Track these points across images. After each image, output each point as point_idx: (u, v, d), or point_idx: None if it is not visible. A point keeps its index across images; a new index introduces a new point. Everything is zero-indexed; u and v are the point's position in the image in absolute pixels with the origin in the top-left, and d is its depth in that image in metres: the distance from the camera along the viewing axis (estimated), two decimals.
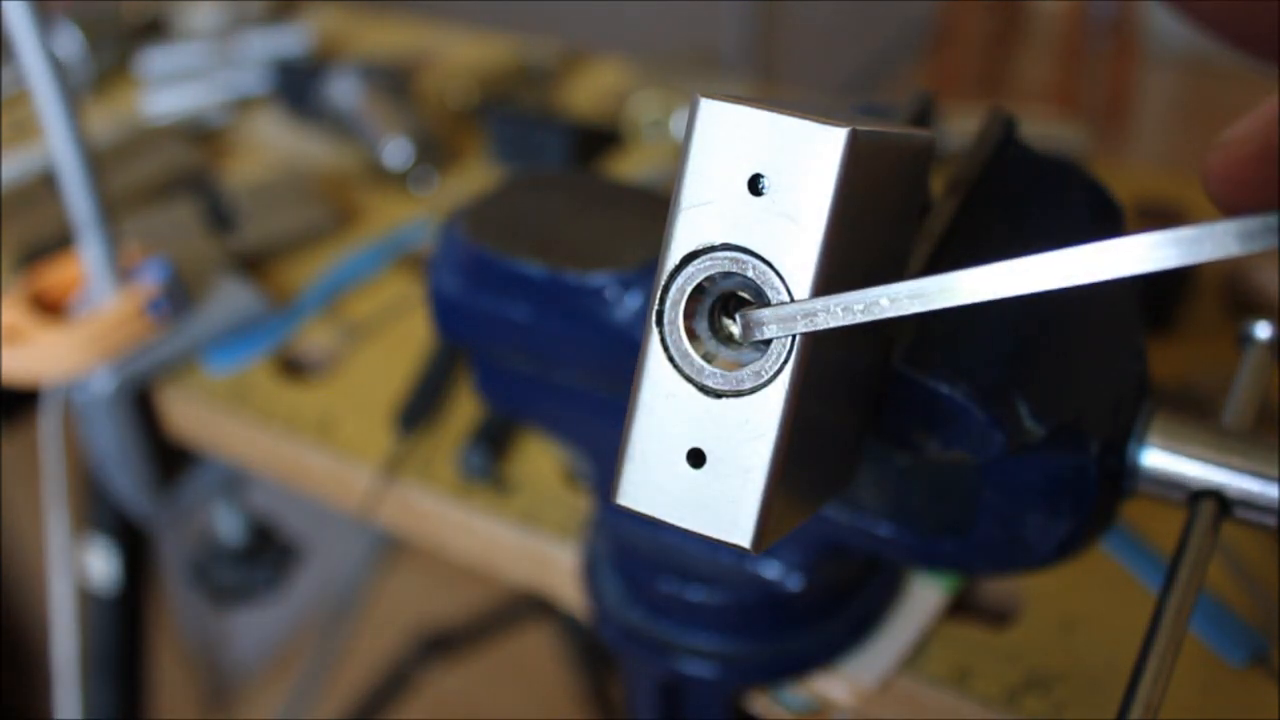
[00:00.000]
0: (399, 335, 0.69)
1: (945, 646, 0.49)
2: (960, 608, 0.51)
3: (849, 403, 0.31)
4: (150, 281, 0.66)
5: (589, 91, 0.99)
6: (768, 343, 0.26)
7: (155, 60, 1.02)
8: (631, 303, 0.41)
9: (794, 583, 0.45)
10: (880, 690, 0.47)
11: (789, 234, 0.25)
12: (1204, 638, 0.47)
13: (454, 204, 0.51)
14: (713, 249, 0.26)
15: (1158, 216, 0.71)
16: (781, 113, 0.25)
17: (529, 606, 1.28)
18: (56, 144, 0.60)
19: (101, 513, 0.81)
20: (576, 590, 0.52)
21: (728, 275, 0.26)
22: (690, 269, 0.27)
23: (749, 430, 0.26)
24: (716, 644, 0.46)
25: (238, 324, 0.69)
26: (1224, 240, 0.20)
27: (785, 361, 0.26)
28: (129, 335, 0.65)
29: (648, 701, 0.50)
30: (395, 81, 0.91)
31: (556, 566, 0.55)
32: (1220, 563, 0.50)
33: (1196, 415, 0.37)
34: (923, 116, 0.40)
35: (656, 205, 0.46)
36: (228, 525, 0.75)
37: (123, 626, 0.83)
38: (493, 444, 0.59)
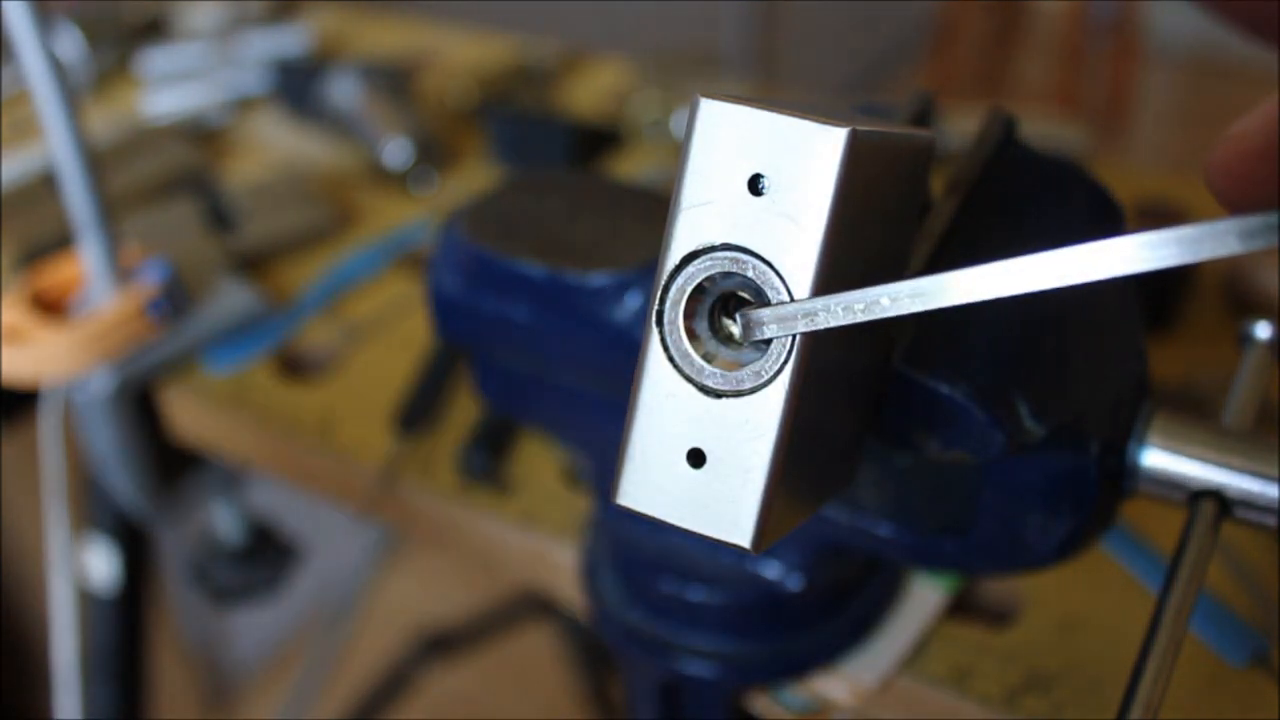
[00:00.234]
0: (399, 335, 0.69)
1: (945, 646, 0.49)
2: (960, 608, 0.51)
3: (849, 402, 0.31)
4: (150, 281, 0.66)
5: (589, 91, 0.99)
6: (768, 343, 0.26)
7: (155, 60, 1.02)
8: (631, 303, 0.41)
9: (794, 583, 0.45)
10: (880, 690, 0.47)
11: (789, 234, 0.25)
12: (1204, 638, 0.47)
13: (454, 204, 0.51)
14: (713, 249, 0.26)
15: (1158, 216, 0.71)
16: (781, 113, 0.25)
17: (529, 606, 1.28)
18: (56, 144, 0.60)
19: (101, 513, 0.81)
20: (576, 590, 0.52)
21: (728, 275, 0.26)
22: (690, 269, 0.27)
23: (749, 430, 0.26)
24: (716, 644, 0.46)
25: (238, 324, 0.69)
26: (1224, 239, 0.20)
27: (785, 361, 0.26)
28: (129, 335, 0.65)
29: (648, 701, 0.50)
30: (395, 81, 0.91)
31: (556, 566, 0.55)
32: (1220, 563, 0.50)
33: (1196, 415, 0.37)
34: (923, 116, 0.40)
35: (656, 205, 0.46)
36: (228, 525, 0.75)
37: (123, 626, 0.83)
38: (493, 444, 0.59)
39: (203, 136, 0.95)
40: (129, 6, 1.10)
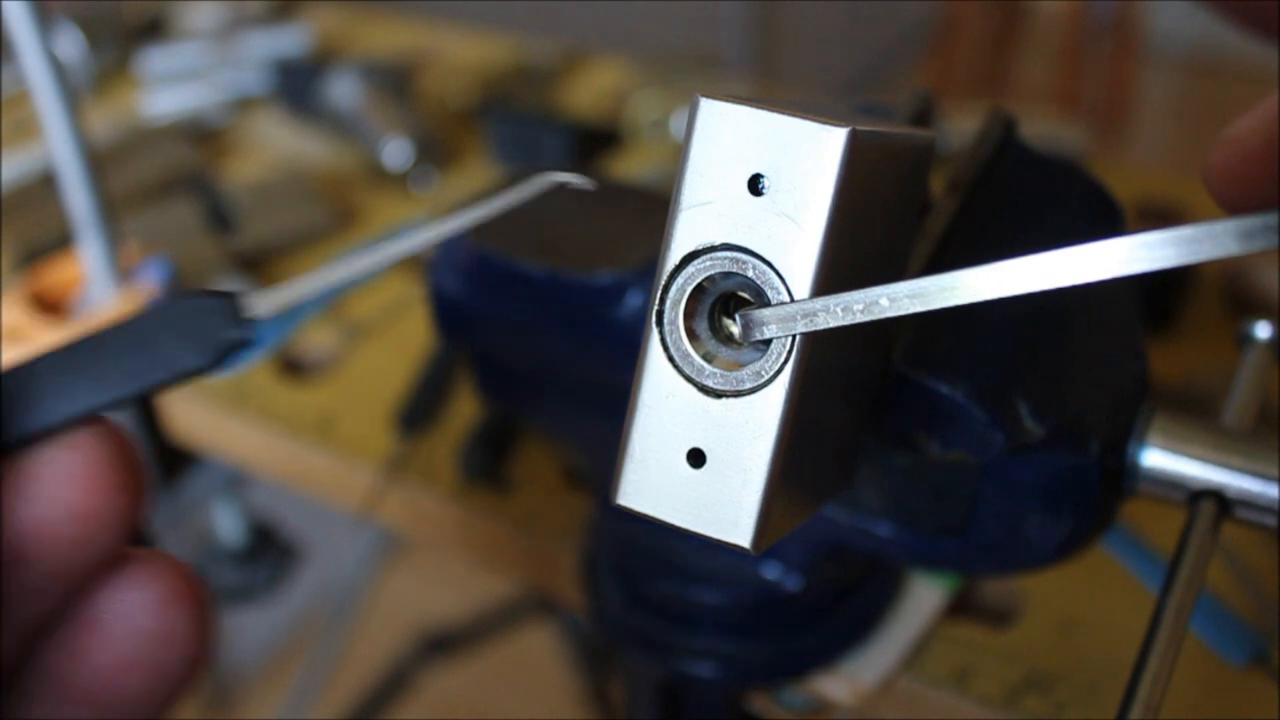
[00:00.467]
0: (399, 335, 0.69)
1: (945, 646, 0.49)
2: (960, 608, 0.51)
3: (849, 403, 0.31)
4: (150, 281, 0.66)
5: (589, 91, 0.99)
6: (768, 343, 0.26)
7: (155, 60, 1.02)
8: (631, 303, 0.41)
9: (794, 583, 0.45)
10: (880, 690, 0.47)
11: (789, 234, 0.25)
12: (1204, 638, 0.47)
13: (454, 204, 0.51)
14: (713, 249, 0.26)
15: (1158, 216, 0.71)
16: (782, 112, 0.25)
17: (529, 606, 1.28)
18: (56, 144, 0.60)
19: None
20: (576, 590, 0.52)
21: (728, 275, 0.26)
22: (690, 269, 0.27)
23: (749, 430, 0.26)
24: (716, 644, 0.46)
25: None
26: (1223, 240, 0.20)
27: (785, 361, 0.26)
28: None
29: (648, 701, 0.50)
30: (395, 81, 0.91)
31: (556, 566, 0.55)
32: (1220, 563, 0.50)
33: (1196, 415, 0.37)
34: (923, 116, 0.40)
35: (656, 205, 0.46)
36: (228, 525, 0.75)
37: None
38: (493, 444, 0.59)
39: (203, 136, 0.95)
40: (129, 6, 1.10)
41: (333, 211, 0.80)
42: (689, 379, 0.27)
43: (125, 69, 1.05)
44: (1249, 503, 0.35)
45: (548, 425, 0.51)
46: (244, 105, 0.99)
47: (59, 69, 0.58)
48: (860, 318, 0.24)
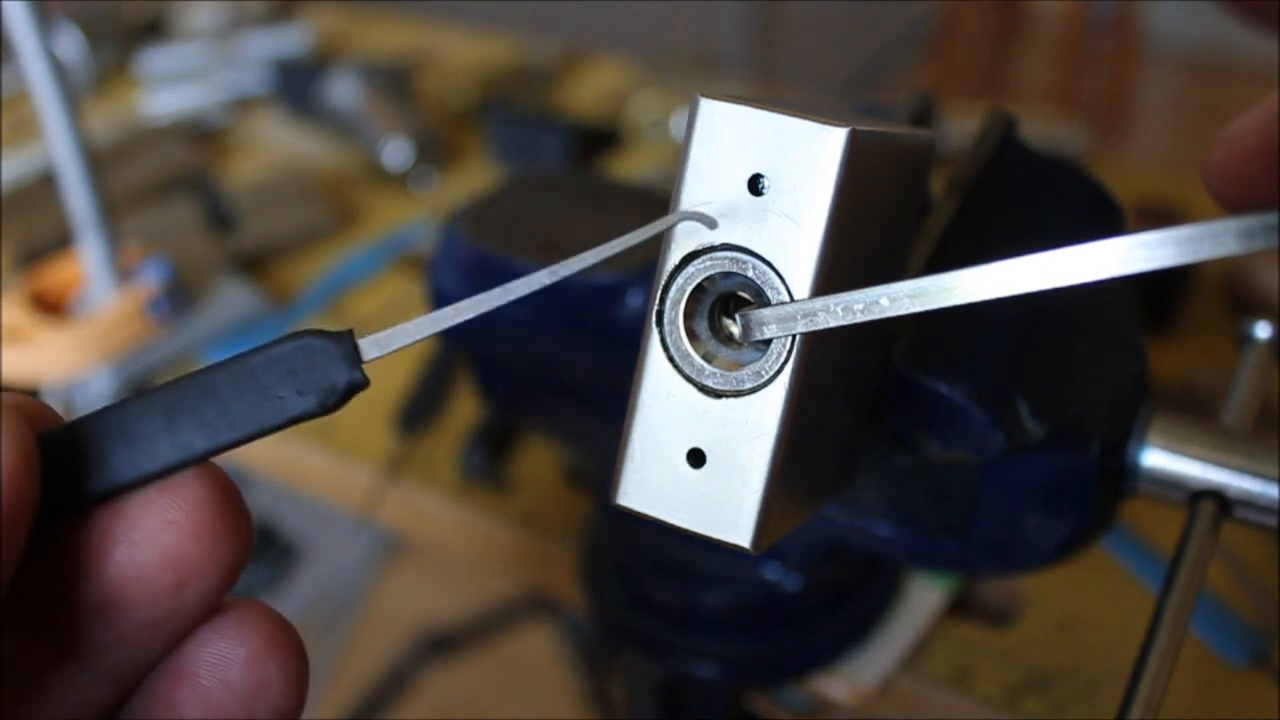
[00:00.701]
0: None
1: (945, 646, 0.49)
2: (960, 608, 0.51)
3: (849, 402, 0.31)
4: (150, 281, 0.66)
5: (589, 91, 0.99)
6: (768, 343, 0.26)
7: (155, 60, 1.02)
8: (631, 303, 0.41)
9: (794, 583, 0.45)
10: (880, 690, 0.47)
11: (789, 234, 0.25)
12: (1204, 638, 0.47)
13: (454, 204, 0.51)
14: (713, 249, 0.26)
15: (1158, 216, 0.71)
16: (782, 112, 0.25)
17: (529, 606, 1.28)
18: (56, 144, 0.60)
19: None
20: (576, 590, 0.52)
21: (728, 275, 0.26)
22: (690, 269, 0.27)
23: (749, 430, 0.26)
24: (716, 644, 0.46)
25: (238, 324, 0.69)
26: (1223, 239, 0.20)
27: (785, 361, 0.26)
28: (129, 335, 0.65)
29: (648, 701, 0.50)
30: (395, 81, 0.91)
31: (556, 566, 0.55)
32: (1220, 563, 0.50)
33: (1196, 415, 0.37)
34: (923, 116, 0.40)
35: (656, 205, 0.46)
36: None
37: None
38: (493, 444, 0.59)
39: (203, 136, 0.95)
40: (129, 6, 1.10)
41: (333, 211, 0.80)
42: (689, 379, 0.27)
43: (125, 69, 1.05)
44: (1249, 503, 0.35)
45: (548, 426, 0.51)
46: (244, 105, 0.99)
47: (59, 69, 0.58)
48: (860, 317, 0.24)
